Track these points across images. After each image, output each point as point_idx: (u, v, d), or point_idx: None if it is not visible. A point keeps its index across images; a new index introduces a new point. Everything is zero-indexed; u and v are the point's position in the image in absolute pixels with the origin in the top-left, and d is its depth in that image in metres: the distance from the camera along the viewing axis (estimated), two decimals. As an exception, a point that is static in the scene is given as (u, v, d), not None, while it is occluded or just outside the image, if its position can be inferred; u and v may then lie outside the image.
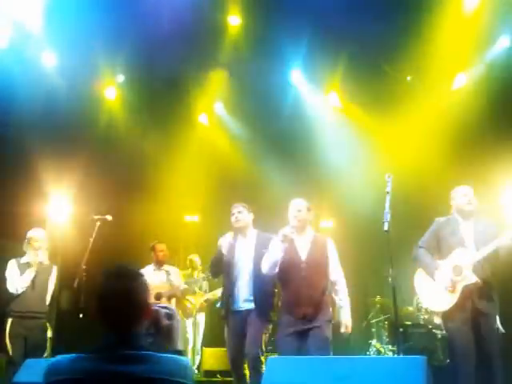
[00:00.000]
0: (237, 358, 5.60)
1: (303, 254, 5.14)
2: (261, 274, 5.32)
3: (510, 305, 5.47)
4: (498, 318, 5.05)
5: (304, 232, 5.25)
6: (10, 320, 6.20)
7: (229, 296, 5.63)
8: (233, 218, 5.74)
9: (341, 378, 3.47)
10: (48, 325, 6.41)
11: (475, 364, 4.86)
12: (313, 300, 5.00)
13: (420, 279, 5.28)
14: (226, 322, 5.68)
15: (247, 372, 5.59)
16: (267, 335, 5.58)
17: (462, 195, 5.27)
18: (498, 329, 5.00)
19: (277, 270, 5.16)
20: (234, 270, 5.63)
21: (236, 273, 5.61)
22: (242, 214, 5.72)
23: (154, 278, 6.61)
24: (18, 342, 6.14)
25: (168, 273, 6.57)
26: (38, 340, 6.22)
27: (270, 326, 5.56)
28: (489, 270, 4.99)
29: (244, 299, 5.55)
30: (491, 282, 5.03)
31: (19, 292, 6.19)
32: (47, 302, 6.41)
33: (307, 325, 4.96)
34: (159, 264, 6.71)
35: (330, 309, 5.20)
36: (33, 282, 6.27)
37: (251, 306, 5.49)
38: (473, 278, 4.87)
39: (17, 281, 6.25)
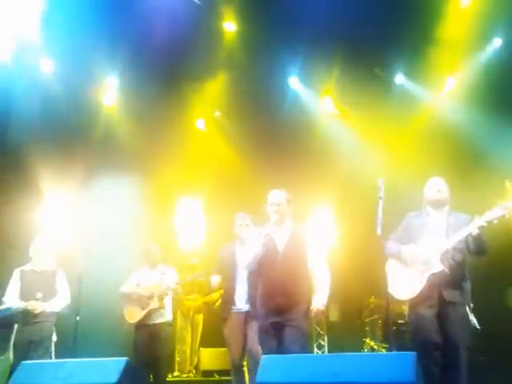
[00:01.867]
0: (237, 357, 5.80)
1: (280, 247, 5.02)
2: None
3: (481, 295, 5.37)
4: (469, 309, 4.91)
5: (283, 224, 5.11)
6: (15, 325, 6.29)
7: (229, 297, 5.84)
8: (239, 228, 5.92)
9: (334, 375, 3.61)
10: (53, 328, 6.45)
11: (441, 354, 4.80)
12: (287, 291, 4.88)
13: (389, 268, 5.15)
14: (225, 323, 5.85)
15: (245, 370, 5.85)
16: None
17: (430, 186, 5.24)
18: (470, 321, 4.87)
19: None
20: (234, 272, 5.82)
21: (236, 275, 5.81)
22: (249, 227, 5.86)
23: (148, 278, 6.69)
24: (23, 346, 6.20)
25: (162, 273, 6.63)
26: (44, 344, 6.27)
27: None
28: (458, 259, 4.90)
29: (244, 300, 5.76)
30: (460, 272, 4.93)
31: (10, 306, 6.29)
32: (56, 307, 6.47)
33: (282, 317, 4.87)
34: (153, 264, 6.77)
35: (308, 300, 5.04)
36: (33, 288, 6.35)
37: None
38: (439, 267, 4.80)
39: (8, 300, 6.35)
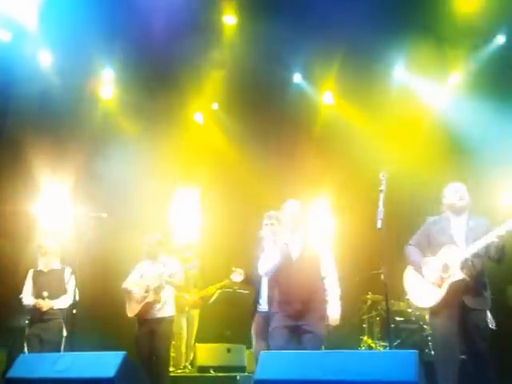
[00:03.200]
0: None
1: (295, 254, 5.24)
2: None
3: (500, 301, 5.48)
4: (489, 314, 5.04)
5: (297, 231, 5.34)
6: (27, 322, 6.67)
7: (255, 298, 5.99)
8: (266, 229, 5.82)
9: (333, 373, 3.57)
10: (63, 324, 6.65)
11: (461, 360, 4.92)
12: (303, 298, 5.10)
13: (409, 276, 5.30)
14: (253, 321, 5.97)
15: None
16: None
17: (453, 192, 5.25)
18: (490, 325, 5.00)
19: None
20: (258, 275, 5.79)
21: (261, 278, 5.85)
22: (273, 226, 5.79)
23: (149, 271, 6.63)
24: (35, 342, 6.53)
25: (163, 265, 6.56)
26: (54, 340, 6.52)
27: None
28: (479, 267, 4.98)
29: (267, 301, 5.80)
30: (481, 279, 5.02)
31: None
32: (64, 304, 6.64)
33: (299, 321, 5.08)
34: (154, 257, 6.70)
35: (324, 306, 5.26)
36: (42, 287, 6.62)
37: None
38: (460, 275, 4.88)
39: (26, 299, 6.67)
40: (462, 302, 4.93)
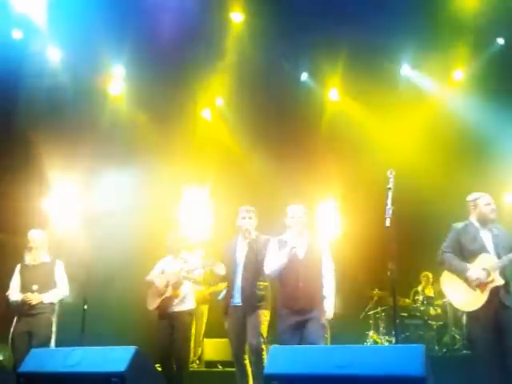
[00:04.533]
0: (238, 350, 6.02)
1: (301, 254, 5.58)
2: (249, 271, 5.90)
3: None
4: None
5: (302, 234, 5.70)
6: (15, 318, 6.43)
7: (228, 292, 6.08)
8: (243, 221, 6.06)
9: (342, 367, 3.61)
10: (53, 319, 6.55)
11: (501, 353, 5.17)
12: (309, 295, 5.47)
13: (446, 281, 5.56)
14: (226, 316, 6.05)
15: (247, 362, 6.00)
16: (267, 323, 5.92)
17: (486, 203, 5.50)
18: None
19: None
20: (234, 267, 6.02)
21: (235, 270, 6.01)
22: (252, 220, 6.09)
23: (170, 266, 6.73)
24: (23, 338, 6.32)
25: (185, 261, 6.64)
26: (43, 335, 6.35)
27: (268, 314, 5.94)
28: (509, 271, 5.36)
29: (239, 295, 5.94)
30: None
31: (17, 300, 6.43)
32: (54, 298, 6.53)
33: (305, 316, 5.43)
34: (174, 253, 6.80)
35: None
36: (30, 282, 6.42)
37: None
38: (501, 281, 5.23)
39: (13, 294, 6.46)
40: (500, 302, 5.24)
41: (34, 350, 4.72)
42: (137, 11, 8.46)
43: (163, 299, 6.53)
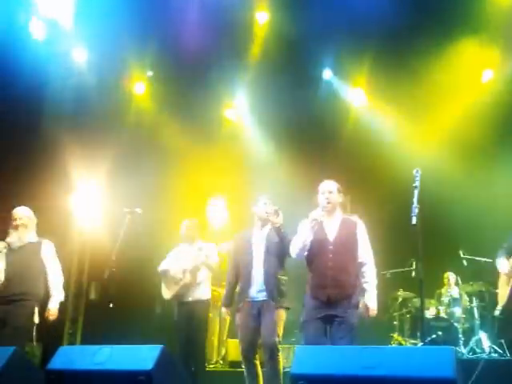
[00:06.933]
0: (249, 348, 5.64)
1: (331, 236, 5.00)
2: (271, 264, 5.46)
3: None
4: None
5: (333, 214, 5.09)
6: None
7: (243, 286, 5.66)
8: (263, 206, 5.64)
9: (369, 368, 3.55)
10: (36, 309, 5.82)
11: None
12: (339, 282, 4.87)
13: (504, 283, 6.11)
14: (238, 312, 5.70)
15: (258, 362, 5.65)
16: (282, 323, 5.54)
17: None
18: None
19: (306, 253, 5.04)
20: (250, 259, 5.63)
21: (251, 262, 5.61)
22: (267, 205, 5.63)
23: (185, 254, 6.66)
24: None
25: (200, 249, 6.55)
26: (18, 324, 5.63)
27: (285, 314, 5.54)
28: None
29: (258, 290, 5.54)
30: None
31: None
32: (60, 298, 6.01)
33: (333, 310, 4.84)
34: (191, 240, 6.74)
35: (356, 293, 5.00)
36: (12, 264, 5.75)
37: (264, 296, 5.50)
38: None
39: None
40: None
41: (62, 348, 4.57)
42: (162, 11, 8.51)
43: (182, 286, 6.49)
